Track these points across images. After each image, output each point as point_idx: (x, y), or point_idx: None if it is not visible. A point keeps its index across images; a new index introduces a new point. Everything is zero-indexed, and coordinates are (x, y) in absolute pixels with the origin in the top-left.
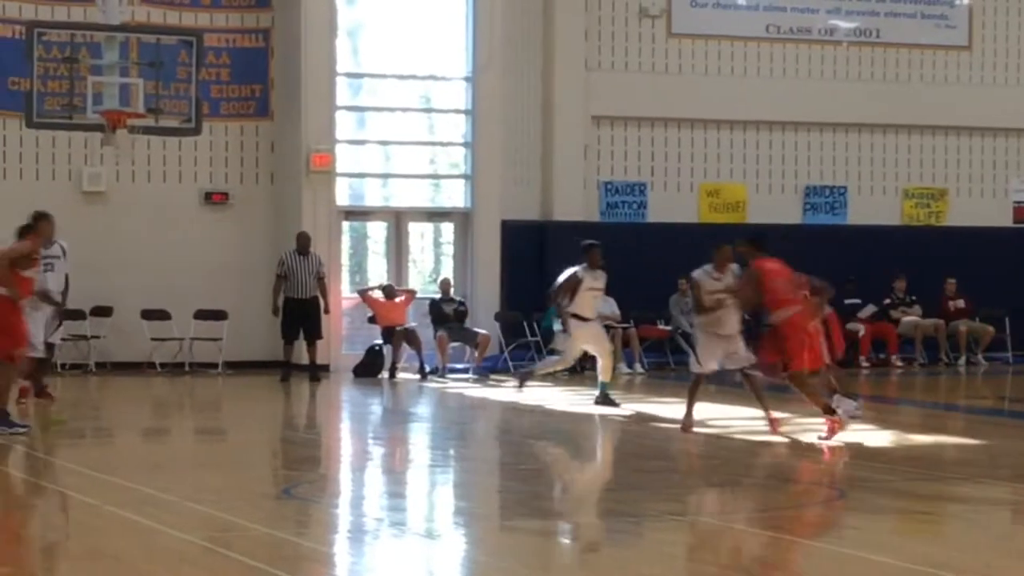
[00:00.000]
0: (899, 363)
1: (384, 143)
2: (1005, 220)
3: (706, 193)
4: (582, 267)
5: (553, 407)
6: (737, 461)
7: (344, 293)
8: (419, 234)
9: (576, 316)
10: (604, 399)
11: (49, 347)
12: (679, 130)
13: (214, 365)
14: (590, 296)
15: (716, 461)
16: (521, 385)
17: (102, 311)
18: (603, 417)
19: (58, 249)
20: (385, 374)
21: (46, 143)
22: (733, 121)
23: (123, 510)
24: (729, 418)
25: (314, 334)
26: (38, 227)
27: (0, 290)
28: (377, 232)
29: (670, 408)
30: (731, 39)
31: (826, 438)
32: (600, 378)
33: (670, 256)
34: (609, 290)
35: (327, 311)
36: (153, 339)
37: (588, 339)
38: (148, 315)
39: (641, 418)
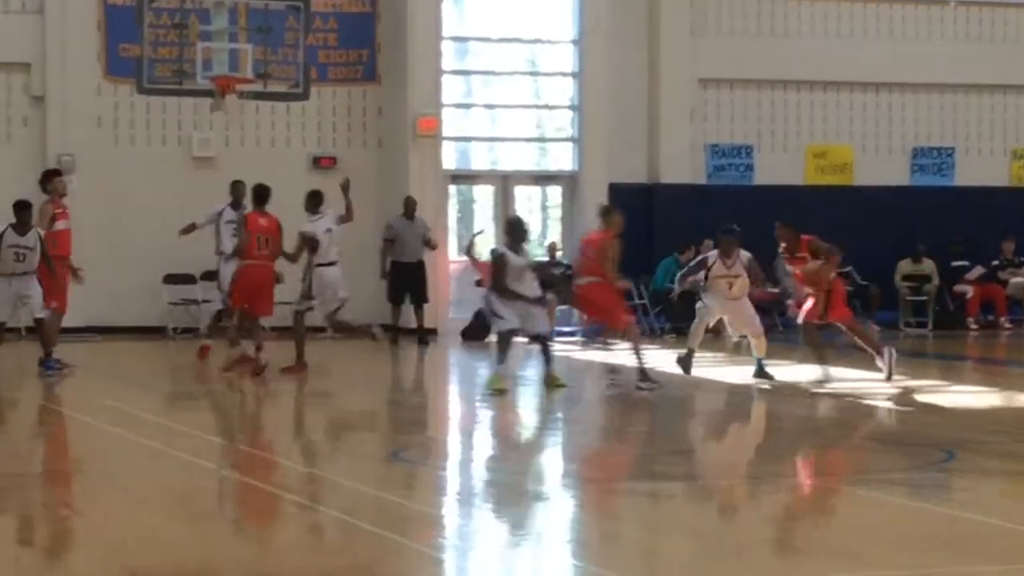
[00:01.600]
0: (1007, 325)
1: (490, 107)
2: None
3: (812, 155)
4: (713, 254)
5: (664, 370)
6: (846, 423)
7: (451, 256)
8: (526, 197)
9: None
10: (760, 372)
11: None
12: (785, 92)
13: (322, 329)
14: (723, 283)
15: (824, 423)
16: (687, 370)
17: (212, 275)
18: (711, 381)
19: None
20: (493, 337)
21: (156, 109)
22: (840, 83)
23: (235, 472)
24: (839, 380)
25: (421, 298)
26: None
27: None
28: (483, 196)
29: (776, 370)
30: (838, 0)
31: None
32: (755, 354)
33: (776, 218)
34: None
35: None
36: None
37: (733, 320)
38: None
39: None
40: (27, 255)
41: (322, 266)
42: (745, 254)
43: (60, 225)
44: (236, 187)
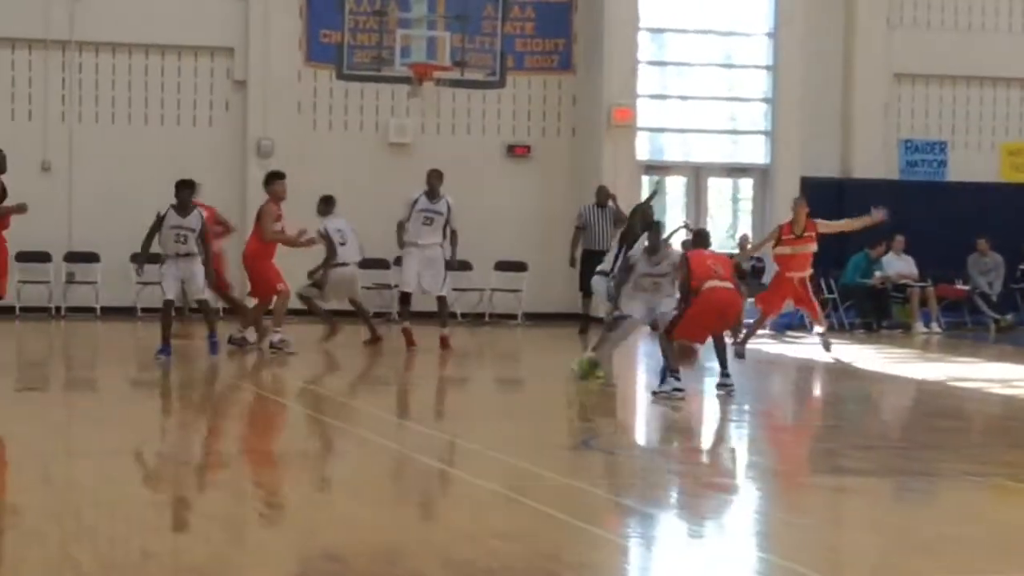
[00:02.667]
0: None
1: (684, 98)
2: None
3: (1007, 152)
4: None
5: (852, 365)
6: None
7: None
8: (717, 189)
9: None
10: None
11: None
12: (981, 88)
13: (513, 316)
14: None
15: (1014, 421)
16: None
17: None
18: (898, 376)
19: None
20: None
21: (355, 95)
22: None
23: (424, 456)
24: None
25: None
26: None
27: None
28: (676, 187)
29: (968, 368)
30: None
31: None
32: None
33: (969, 215)
34: (907, 248)
35: None
36: (455, 289)
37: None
38: (449, 265)
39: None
40: (188, 236)
41: (336, 267)
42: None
43: (277, 226)
44: (432, 176)
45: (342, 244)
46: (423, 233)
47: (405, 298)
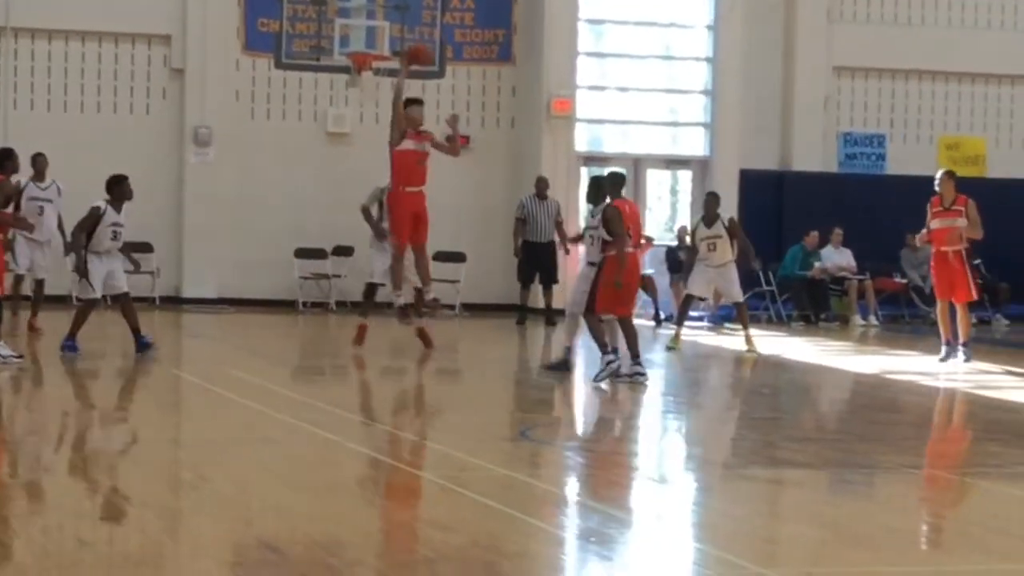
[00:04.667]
0: None
1: (624, 90)
2: None
3: (945, 146)
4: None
5: (787, 357)
6: (975, 416)
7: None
8: (657, 181)
9: None
10: None
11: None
12: (920, 81)
13: (451, 307)
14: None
15: (950, 415)
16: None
17: (343, 251)
18: (836, 368)
19: (54, 190)
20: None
21: (293, 84)
22: (974, 74)
23: (362, 447)
24: (978, 372)
25: (551, 279)
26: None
27: None
28: None
29: (905, 360)
30: None
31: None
32: None
33: (907, 209)
34: (845, 241)
35: (567, 252)
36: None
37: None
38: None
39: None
40: (121, 233)
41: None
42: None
43: None
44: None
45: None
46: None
47: (372, 291)
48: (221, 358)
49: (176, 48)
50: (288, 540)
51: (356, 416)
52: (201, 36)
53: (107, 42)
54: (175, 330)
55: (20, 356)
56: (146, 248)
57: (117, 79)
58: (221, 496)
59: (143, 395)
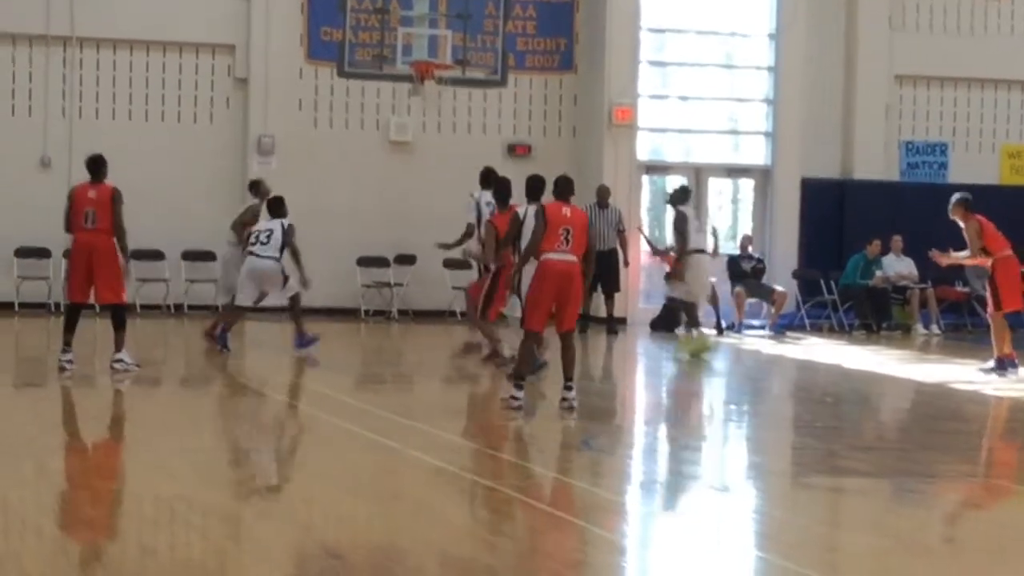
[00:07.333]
0: None
1: (685, 98)
2: None
3: (1008, 155)
4: None
5: (851, 366)
6: None
7: (643, 247)
8: (718, 190)
9: None
10: None
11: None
12: (982, 90)
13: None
14: None
15: (1013, 423)
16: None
17: (405, 259)
18: (897, 377)
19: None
20: (682, 329)
21: (356, 92)
22: None
23: (425, 454)
24: None
25: (612, 287)
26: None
27: None
28: (676, 187)
29: (967, 369)
30: None
31: None
32: None
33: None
34: (907, 250)
35: (627, 264)
36: (455, 288)
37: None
38: (450, 264)
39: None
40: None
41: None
42: None
43: None
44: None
45: (263, 243)
46: None
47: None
48: (284, 367)
49: (240, 57)
50: (350, 547)
51: (418, 424)
52: (264, 45)
53: (171, 52)
54: (238, 338)
55: (138, 365)
56: (209, 257)
57: (181, 88)
58: (284, 503)
59: (203, 402)
